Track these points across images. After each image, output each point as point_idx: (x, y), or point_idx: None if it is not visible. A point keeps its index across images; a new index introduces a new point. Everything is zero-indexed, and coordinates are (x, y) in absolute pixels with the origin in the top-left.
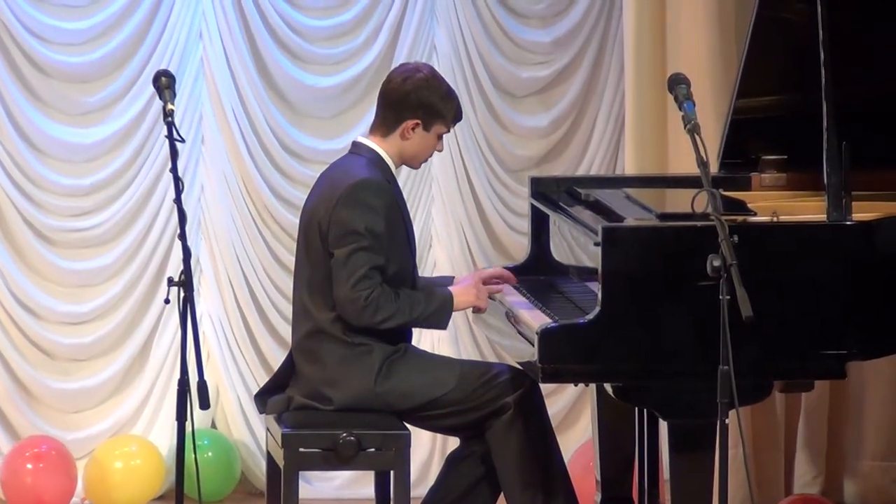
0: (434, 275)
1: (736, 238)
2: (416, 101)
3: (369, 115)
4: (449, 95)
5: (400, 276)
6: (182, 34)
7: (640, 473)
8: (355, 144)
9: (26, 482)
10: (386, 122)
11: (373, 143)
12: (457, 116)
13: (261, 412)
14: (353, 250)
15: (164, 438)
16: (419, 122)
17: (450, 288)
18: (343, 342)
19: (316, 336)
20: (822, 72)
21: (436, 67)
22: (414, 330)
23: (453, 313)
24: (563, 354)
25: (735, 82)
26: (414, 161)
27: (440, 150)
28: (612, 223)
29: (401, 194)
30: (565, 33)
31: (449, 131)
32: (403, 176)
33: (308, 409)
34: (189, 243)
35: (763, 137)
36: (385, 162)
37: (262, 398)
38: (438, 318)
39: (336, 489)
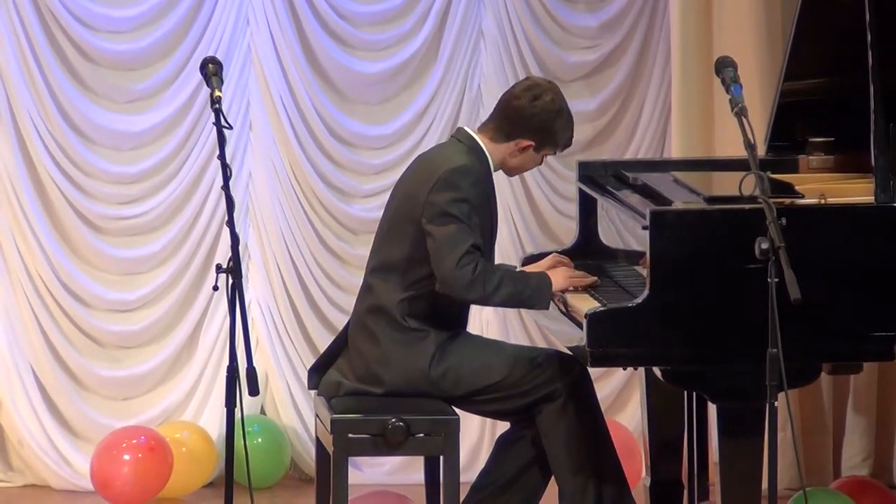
0: None
1: (784, 221)
2: (539, 125)
3: (417, 99)
4: (569, 124)
5: None
6: (229, 21)
7: (689, 456)
8: (460, 131)
9: (123, 472)
10: (501, 130)
11: (479, 139)
12: (568, 143)
13: (310, 388)
14: (453, 230)
15: (213, 425)
16: (534, 143)
17: (540, 270)
18: (400, 326)
19: (376, 313)
20: (869, 53)
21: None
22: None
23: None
24: (612, 338)
25: (782, 65)
26: (512, 172)
27: (539, 165)
28: (659, 206)
29: (494, 190)
30: (612, 17)
31: (555, 154)
32: None
33: (358, 395)
34: (237, 230)
35: (810, 120)
36: (486, 157)
37: (317, 373)
38: (541, 294)
39: (385, 475)
